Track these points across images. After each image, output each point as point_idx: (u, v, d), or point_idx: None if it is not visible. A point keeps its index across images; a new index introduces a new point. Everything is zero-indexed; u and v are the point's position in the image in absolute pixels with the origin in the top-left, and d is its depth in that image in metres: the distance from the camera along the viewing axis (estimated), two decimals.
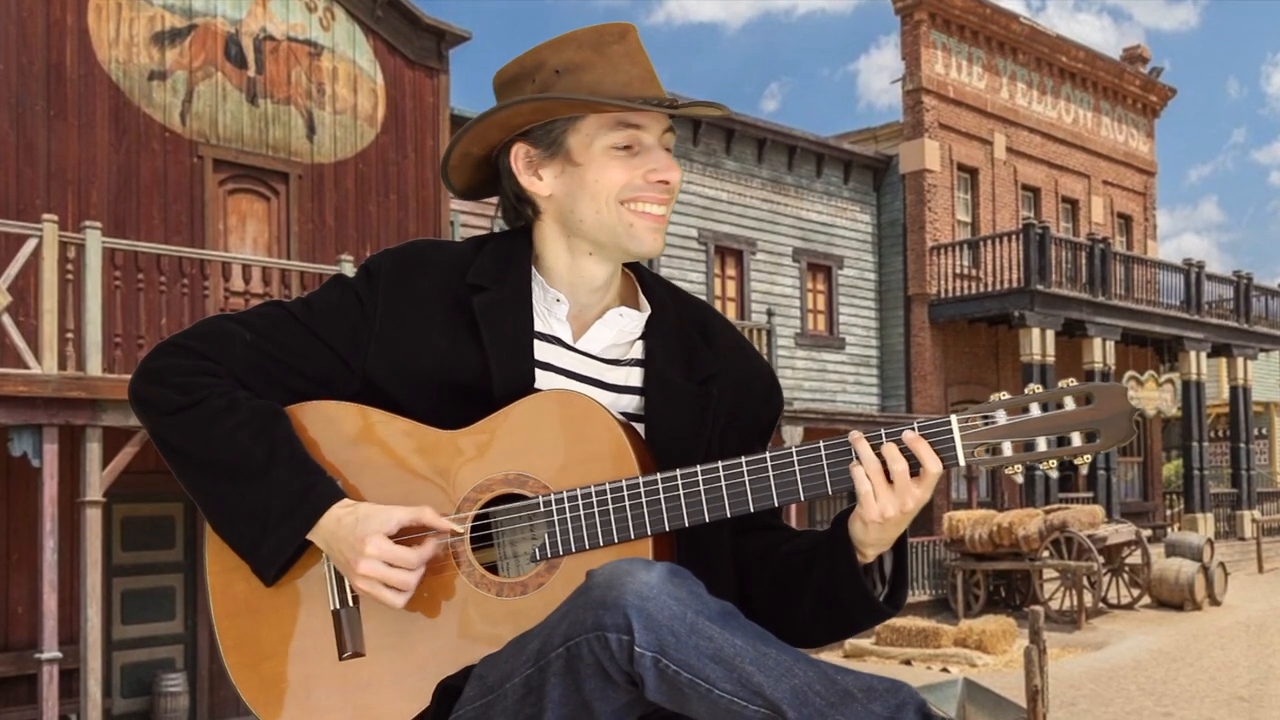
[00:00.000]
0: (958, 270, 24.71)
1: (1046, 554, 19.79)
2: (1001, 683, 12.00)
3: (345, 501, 1.82)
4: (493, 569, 1.84)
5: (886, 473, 1.75)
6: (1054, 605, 19.78)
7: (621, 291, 2.03)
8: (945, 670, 15.14)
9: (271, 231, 15.20)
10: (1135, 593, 21.34)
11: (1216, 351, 28.78)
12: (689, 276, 21.65)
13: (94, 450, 11.25)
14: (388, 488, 1.87)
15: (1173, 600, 20.78)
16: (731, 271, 22.82)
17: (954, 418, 1.77)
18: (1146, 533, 22.76)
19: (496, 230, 2.10)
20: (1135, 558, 21.54)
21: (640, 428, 1.91)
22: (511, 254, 1.98)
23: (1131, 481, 29.32)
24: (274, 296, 13.18)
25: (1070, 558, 19.72)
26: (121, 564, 13.80)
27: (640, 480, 1.79)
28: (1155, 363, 28.36)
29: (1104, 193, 29.55)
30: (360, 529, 1.77)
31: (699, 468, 1.79)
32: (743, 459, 1.79)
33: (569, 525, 1.79)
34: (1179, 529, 27.09)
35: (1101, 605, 20.54)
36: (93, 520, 11.20)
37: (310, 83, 15.61)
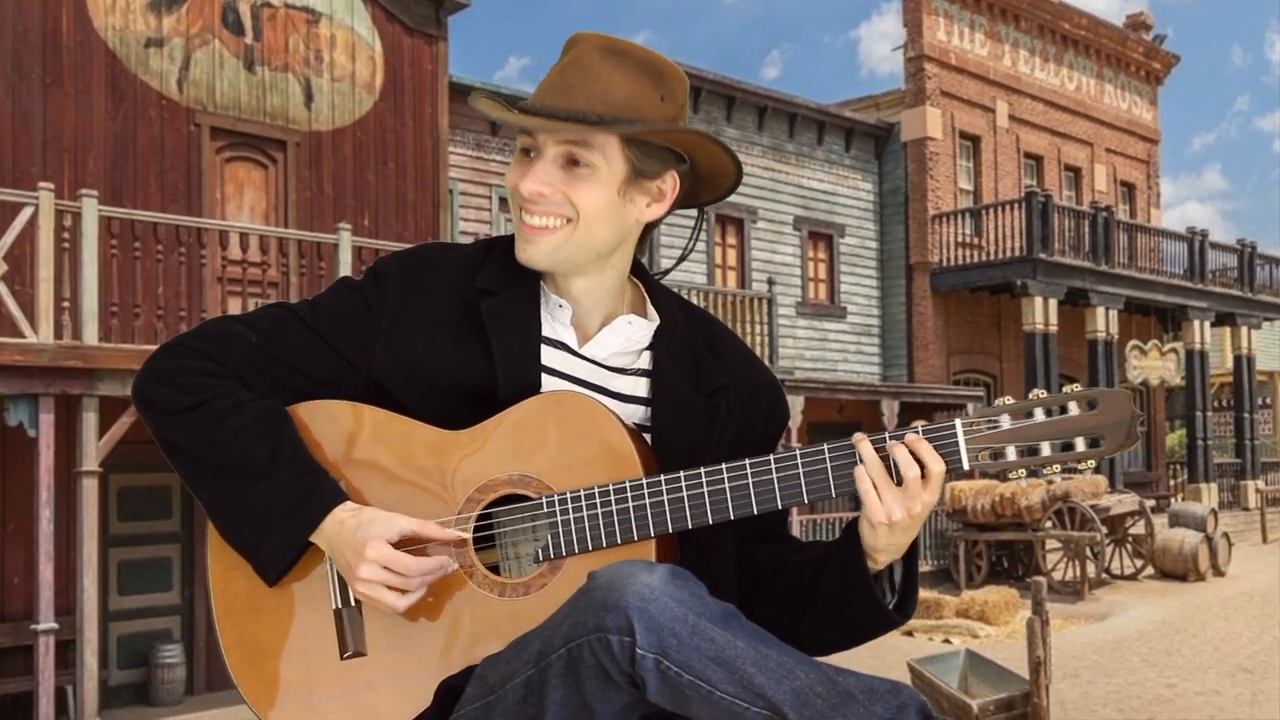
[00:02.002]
0: (960, 239, 24.63)
1: (1049, 524, 19.76)
2: (1004, 654, 11.99)
3: (348, 504, 1.82)
4: (495, 569, 1.84)
5: (891, 473, 1.75)
6: (1057, 576, 19.77)
7: (631, 301, 2.02)
8: (947, 641, 15.15)
9: (269, 200, 15.11)
10: (1138, 563, 21.35)
11: (1220, 320, 28.78)
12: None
13: (90, 420, 11.22)
14: (390, 487, 1.87)
15: (1176, 571, 20.76)
16: (732, 240, 22.76)
17: (959, 421, 1.79)
18: (1150, 503, 22.78)
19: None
20: (1138, 528, 21.55)
21: (646, 438, 1.90)
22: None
23: (1135, 451, 29.27)
24: (271, 265, 13.13)
25: (1073, 528, 19.69)
26: (118, 534, 13.77)
27: (644, 481, 1.78)
28: (1159, 332, 28.32)
29: (1107, 161, 29.45)
30: (362, 533, 1.77)
31: (703, 469, 1.78)
32: (746, 461, 1.78)
33: (571, 526, 1.79)
34: (1182, 499, 27.11)
35: (1104, 576, 20.53)
36: (89, 490, 11.18)
37: (308, 50, 15.47)
